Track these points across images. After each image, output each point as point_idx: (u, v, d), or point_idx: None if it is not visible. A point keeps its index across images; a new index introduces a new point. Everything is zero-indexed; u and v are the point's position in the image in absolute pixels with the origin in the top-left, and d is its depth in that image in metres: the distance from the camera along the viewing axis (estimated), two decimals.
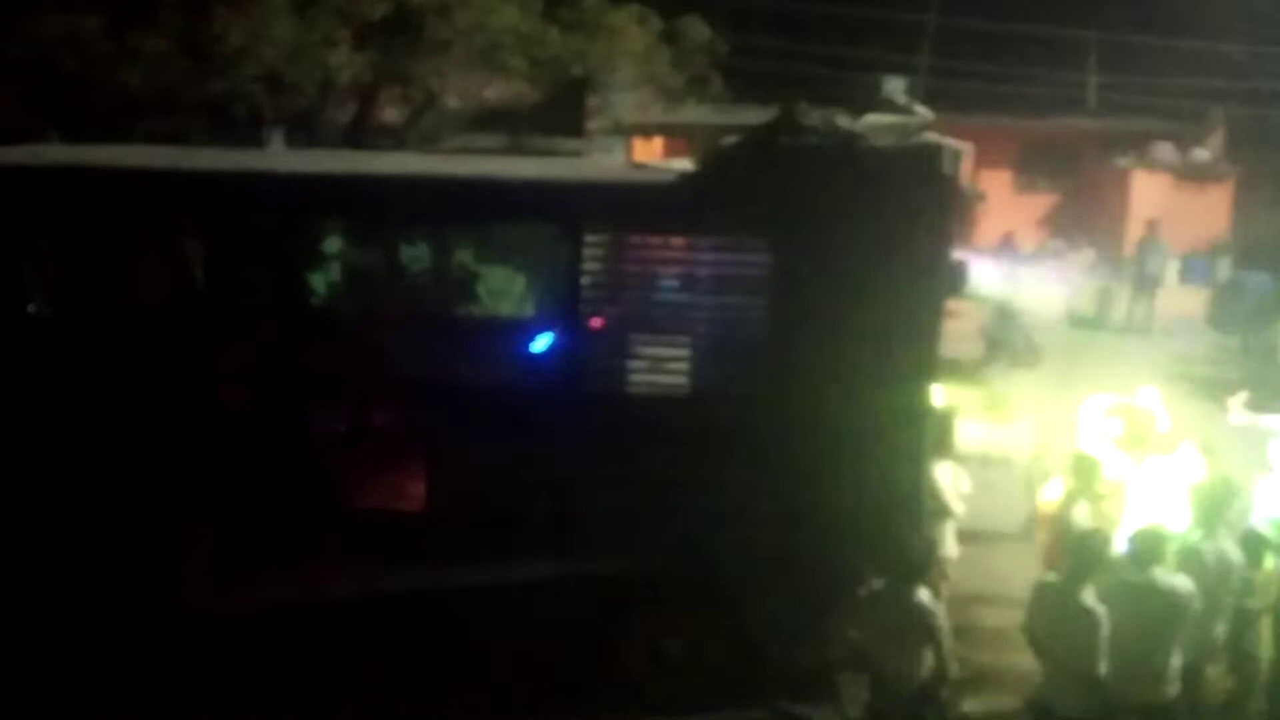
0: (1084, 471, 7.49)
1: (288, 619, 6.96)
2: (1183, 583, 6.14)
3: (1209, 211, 24.31)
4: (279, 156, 8.56)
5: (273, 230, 7.08)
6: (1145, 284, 20.44)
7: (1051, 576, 6.28)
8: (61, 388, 6.99)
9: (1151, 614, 6.07)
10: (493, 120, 16.94)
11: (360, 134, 15.13)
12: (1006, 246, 23.26)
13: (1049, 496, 7.80)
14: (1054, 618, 6.11)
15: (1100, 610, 5.91)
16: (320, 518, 7.04)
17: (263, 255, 7.11)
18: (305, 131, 14.18)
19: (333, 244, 7.70)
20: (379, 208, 7.22)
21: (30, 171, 7.23)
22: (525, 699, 6.81)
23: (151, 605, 6.94)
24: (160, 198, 7.12)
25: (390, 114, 16.15)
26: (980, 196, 20.99)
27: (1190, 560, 6.48)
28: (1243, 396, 9.65)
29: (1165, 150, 24.91)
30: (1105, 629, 5.85)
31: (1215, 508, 6.74)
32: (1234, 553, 6.63)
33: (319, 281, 7.66)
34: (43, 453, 6.98)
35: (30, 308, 7.33)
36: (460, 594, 6.94)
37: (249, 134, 13.69)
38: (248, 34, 12.84)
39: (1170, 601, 6.09)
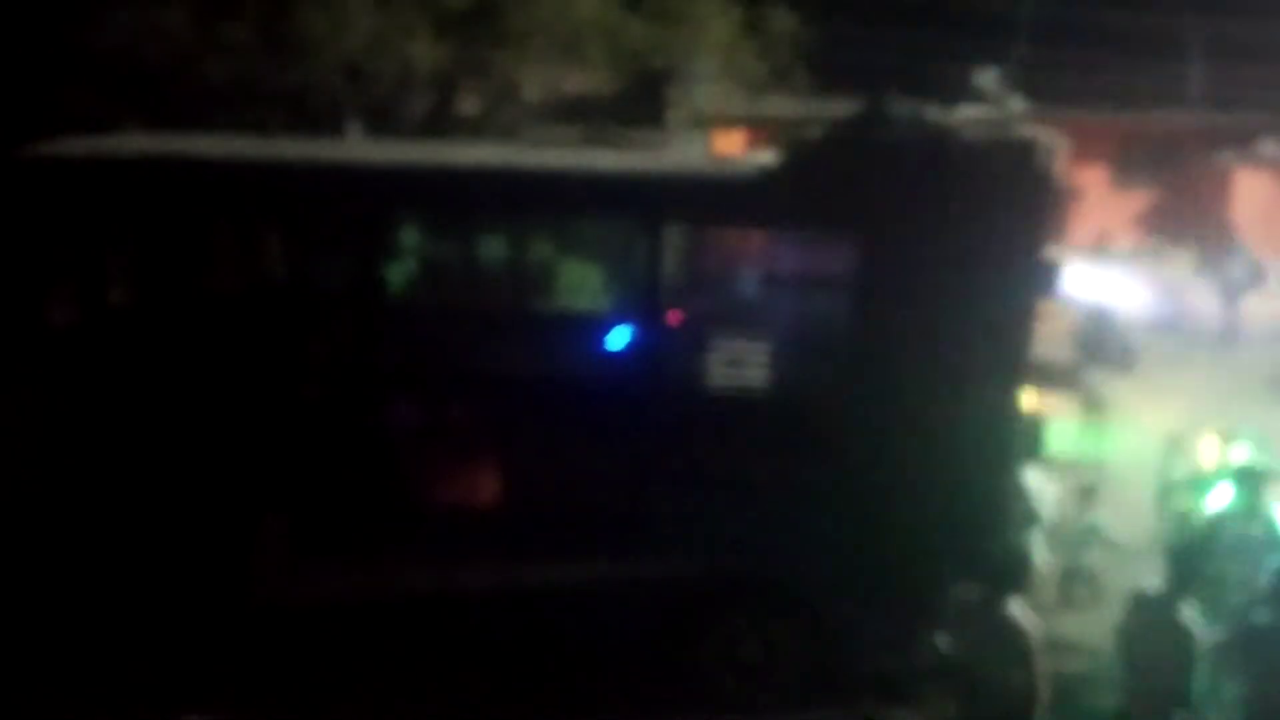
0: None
1: (362, 613, 7.05)
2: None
3: None
4: (358, 146, 8.67)
5: (351, 221, 7.17)
6: (1230, 291, 19.85)
7: (1152, 587, 6.13)
8: (144, 378, 7.15)
9: None
10: (571, 112, 16.99)
11: (439, 125, 15.27)
12: (1103, 246, 22.80)
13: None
14: (1148, 631, 5.99)
15: (1197, 628, 5.78)
16: (395, 512, 7.11)
17: (341, 247, 7.21)
18: (384, 122, 14.34)
19: (411, 236, 7.77)
20: (457, 199, 7.26)
21: (115, 162, 7.40)
22: (599, 701, 6.83)
23: (230, 595, 7.07)
24: (241, 188, 7.25)
25: (469, 105, 16.28)
26: (1074, 193, 20.57)
27: None
28: None
29: (1270, 146, 24.28)
30: (1200, 648, 5.70)
31: None
32: None
33: (397, 274, 7.73)
34: (125, 443, 7.14)
35: (114, 297, 7.50)
36: (534, 593, 6.98)
37: (328, 125, 13.89)
38: (329, 24, 13.05)
39: None
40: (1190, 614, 5.80)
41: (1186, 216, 24.62)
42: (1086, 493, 8.92)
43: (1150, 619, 6.01)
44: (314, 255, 7.39)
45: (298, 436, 7.15)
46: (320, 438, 7.14)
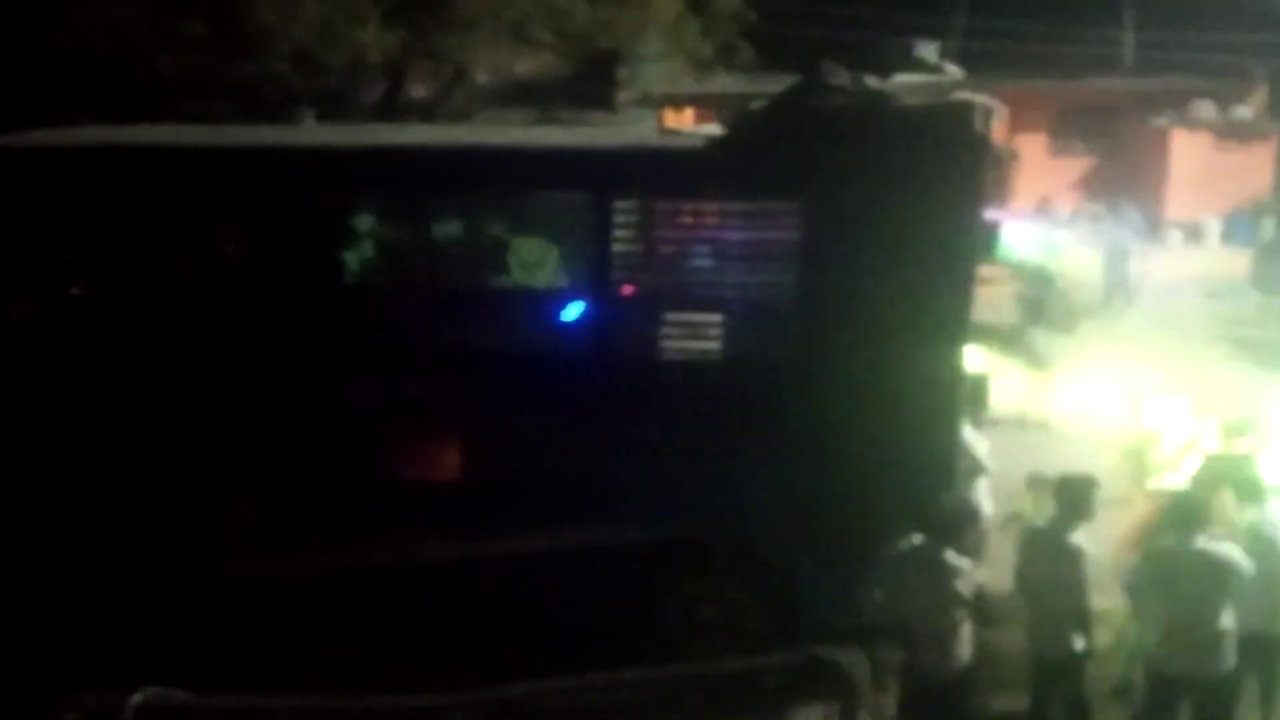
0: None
1: (328, 587, 7.06)
2: (1231, 551, 6.08)
3: (1251, 170, 23.99)
4: (309, 131, 8.62)
5: (304, 204, 7.14)
6: (1116, 253, 19.89)
7: (1040, 522, 6.45)
8: (104, 366, 7.09)
9: (1196, 582, 6.06)
10: (523, 94, 16.97)
11: (391, 111, 15.21)
12: (1043, 210, 23.01)
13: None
14: (1044, 560, 6.28)
15: (1088, 546, 6.10)
16: (359, 489, 7.11)
17: (295, 229, 7.18)
18: (336, 110, 14.27)
19: (366, 218, 7.73)
20: (410, 180, 7.24)
21: (67, 151, 7.32)
22: (562, 667, 6.86)
23: (199, 572, 7.05)
24: (194, 174, 7.20)
25: (420, 91, 16.22)
26: (1014, 156, 20.76)
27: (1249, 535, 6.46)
28: None
29: (1205, 109, 24.57)
30: (1092, 566, 6.05)
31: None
32: None
33: (352, 255, 7.71)
34: (91, 429, 7.09)
35: (71, 287, 7.43)
36: (498, 563, 7.01)
37: (280, 114, 13.80)
38: (278, 14, 12.95)
39: (1216, 570, 6.03)
40: (1078, 539, 6.10)
41: (1125, 180, 24.89)
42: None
43: (1042, 548, 6.30)
44: (270, 239, 7.33)
45: (259, 418, 7.13)
46: (281, 419, 7.12)
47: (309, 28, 13.36)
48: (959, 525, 6.14)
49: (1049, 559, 6.28)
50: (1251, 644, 6.33)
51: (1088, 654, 6.30)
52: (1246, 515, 6.58)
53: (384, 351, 7.22)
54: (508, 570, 7.03)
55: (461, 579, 7.06)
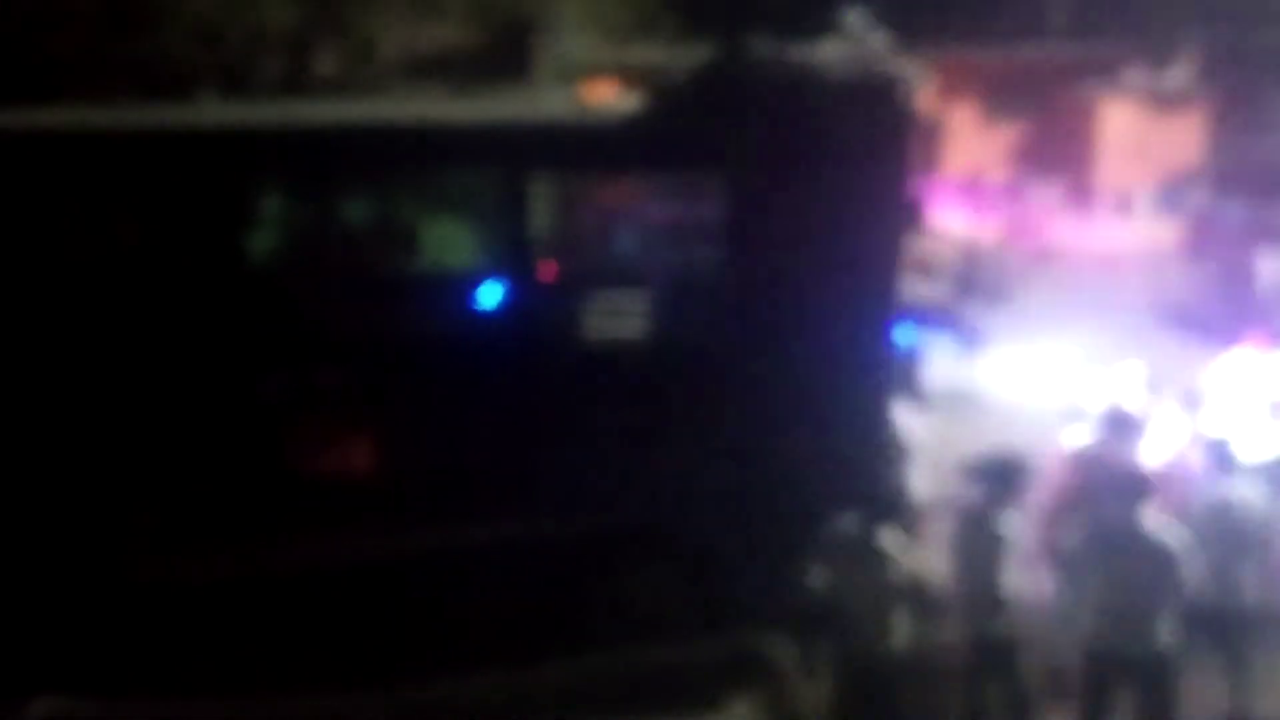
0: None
1: (242, 587, 6.96)
2: (1177, 538, 6.12)
3: (1181, 138, 24.53)
4: (211, 110, 8.43)
5: (203, 186, 6.99)
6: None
7: (969, 500, 6.53)
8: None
9: (1139, 566, 6.11)
10: (434, 67, 16.78)
11: (295, 86, 14.96)
12: (974, 180, 23.37)
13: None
14: (975, 541, 6.39)
15: (1010, 530, 6.25)
16: (270, 485, 7.01)
17: (194, 213, 7.02)
18: (238, 86, 14.00)
19: (267, 199, 7.59)
20: (317, 158, 7.12)
21: None
22: (494, 659, 6.84)
23: (110, 574, 6.93)
24: (86, 159, 7.02)
25: (326, 65, 15.97)
26: (944, 128, 21.04)
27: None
28: None
29: (1136, 76, 25.06)
30: (1015, 549, 6.20)
31: None
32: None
33: (255, 239, 7.56)
34: None
35: None
36: (425, 555, 6.96)
37: (180, 91, 13.51)
38: None
39: (1162, 556, 6.07)
40: (1006, 523, 6.25)
41: (1055, 148, 25.35)
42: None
43: (972, 530, 6.41)
44: (169, 224, 7.15)
45: (161, 413, 6.99)
46: (185, 413, 6.99)
47: (209, 2, 13.09)
48: (892, 506, 6.21)
49: (980, 540, 6.41)
50: (1210, 618, 6.53)
51: (1020, 634, 6.42)
52: (1216, 489, 6.80)
53: (291, 340, 7.10)
54: (432, 564, 6.98)
55: (384, 574, 6.99)
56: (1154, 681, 6.19)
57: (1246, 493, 6.81)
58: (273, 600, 6.98)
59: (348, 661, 6.64)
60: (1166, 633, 6.14)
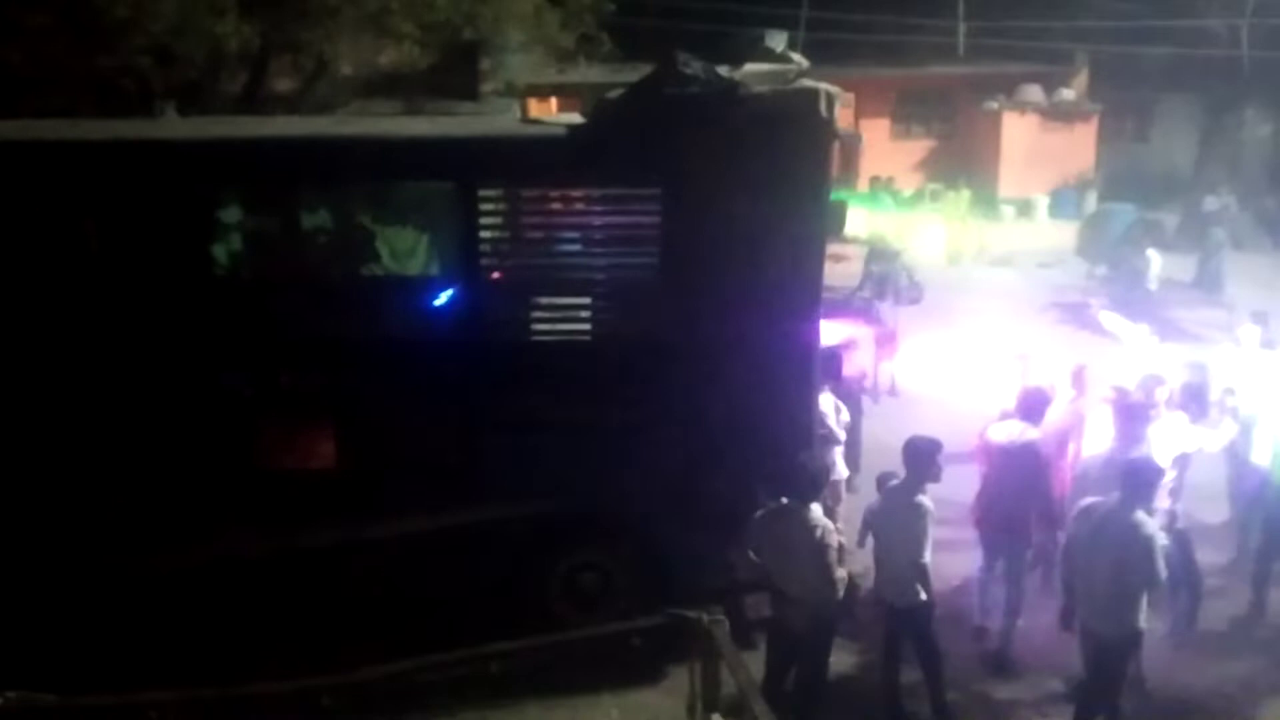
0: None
1: (209, 577, 6.89)
2: (1148, 520, 6.08)
3: (1075, 148, 25.03)
4: (169, 124, 8.30)
5: (168, 198, 6.90)
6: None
7: (896, 481, 6.69)
8: None
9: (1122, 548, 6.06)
10: (386, 86, 16.66)
11: (253, 104, 14.76)
12: (888, 190, 23.62)
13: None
14: (894, 517, 6.58)
15: (931, 507, 6.41)
16: (236, 481, 6.95)
17: (161, 224, 6.92)
18: (196, 103, 13.79)
19: (230, 210, 7.50)
20: (273, 171, 7.07)
21: None
22: (451, 643, 6.82)
23: (78, 566, 6.83)
24: (52, 169, 6.90)
25: (283, 83, 15.78)
26: (858, 139, 21.25)
27: None
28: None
29: (1033, 92, 25.50)
30: (930, 524, 6.36)
31: None
32: None
33: (218, 248, 7.47)
34: None
35: None
36: (384, 545, 6.95)
37: (138, 108, 13.27)
38: (131, 6, 12.42)
39: (1145, 541, 6.01)
40: (923, 498, 6.44)
41: (962, 160, 25.73)
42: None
43: (894, 504, 6.60)
44: (136, 234, 7.04)
45: (131, 414, 6.90)
46: (153, 414, 6.90)
47: (165, 19, 12.84)
48: (818, 485, 6.31)
49: (897, 516, 6.55)
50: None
51: (931, 603, 6.57)
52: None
53: (255, 344, 7.04)
54: (391, 553, 6.97)
55: (346, 563, 6.97)
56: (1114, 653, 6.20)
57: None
58: (238, 589, 6.93)
59: (308, 645, 6.61)
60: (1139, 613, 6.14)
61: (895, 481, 6.71)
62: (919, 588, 6.48)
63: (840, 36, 22.72)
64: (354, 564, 7.01)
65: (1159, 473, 6.33)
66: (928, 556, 6.43)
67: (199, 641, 6.74)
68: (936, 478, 6.59)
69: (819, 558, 6.07)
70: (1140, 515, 6.00)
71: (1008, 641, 7.42)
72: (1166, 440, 7.38)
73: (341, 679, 5.23)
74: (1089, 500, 6.34)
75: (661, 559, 7.11)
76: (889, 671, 6.79)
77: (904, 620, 6.65)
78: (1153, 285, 16.21)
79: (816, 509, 6.18)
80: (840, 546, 6.30)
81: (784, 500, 6.24)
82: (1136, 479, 6.10)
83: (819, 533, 6.08)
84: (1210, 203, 21.37)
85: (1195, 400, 8.05)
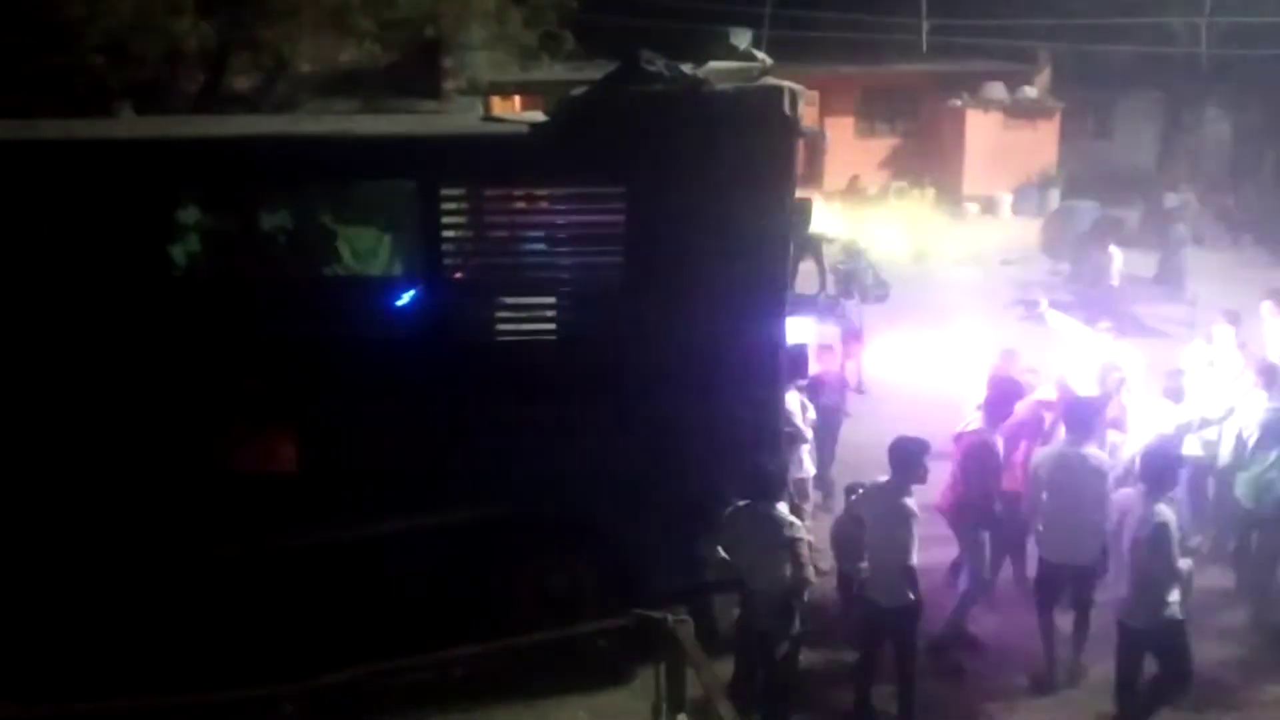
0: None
1: (173, 582, 6.80)
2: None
3: (1038, 145, 25.19)
4: (126, 124, 8.18)
5: (127, 198, 6.80)
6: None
7: (881, 479, 6.70)
8: None
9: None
10: (347, 84, 16.54)
11: (211, 102, 14.60)
12: (853, 189, 23.74)
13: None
14: (880, 518, 6.58)
15: (916, 509, 6.41)
16: (199, 484, 6.86)
17: (120, 224, 6.82)
18: (153, 102, 13.61)
19: (190, 210, 7.41)
20: (233, 171, 6.99)
21: None
22: (419, 646, 6.78)
23: (40, 572, 6.73)
24: (6, 170, 6.79)
25: (242, 81, 15.62)
26: (822, 136, 21.32)
27: None
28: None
29: (996, 89, 25.67)
30: (916, 527, 6.41)
31: None
32: None
33: (179, 249, 7.38)
34: None
35: None
36: (346, 550, 6.87)
37: (95, 107, 13.09)
38: (87, 3, 12.26)
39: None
40: (909, 500, 6.45)
41: (926, 158, 25.86)
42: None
43: (878, 507, 6.59)
44: (95, 235, 6.93)
45: (92, 418, 6.80)
46: (116, 418, 6.80)
47: (122, 17, 12.68)
48: (781, 485, 6.30)
49: (884, 518, 6.54)
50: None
51: (920, 605, 6.58)
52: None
53: (214, 346, 6.95)
54: (356, 556, 6.90)
55: (309, 567, 6.90)
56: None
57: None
58: (201, 594, 6.84)
59: (275, 650, 6.54)
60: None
61: (881, 481, 6.68)
62: (907, 590, 6.46)
63: (805, 34, 22.78)
64: (317, 568, 6.93)
65: (1177, 461, 6.54)
66: (915, 559, 6.42)
67: (162, 647, 6.66)
68: (923, 479, 6.62)
69: (789, 555, 6.06)
70: (1160, 506, 6.27)
71: (957, 628, 7.51)
72: (1141, 425, 7.60)
73: (303, 685, 5.17)
74: (1117, 493, 6.72)
75: (629, 560, 7.08)
76: (864, 673, 6.78)
77: (890, 621, 6.61)
78: (1115, 281, 16.36)
79: (782, 507, 6.18)
80: (810, 544, 6.30)
81: (750, 500, 6.23)
82: (1155, 469, 6.41)
83: (787, 530, 6.08)
84: (1171, 199, 21.63)
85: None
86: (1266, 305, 10.53)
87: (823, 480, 9.31)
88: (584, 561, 7.21)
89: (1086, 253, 17.49)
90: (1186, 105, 24.92)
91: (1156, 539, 6.19)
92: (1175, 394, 8.30)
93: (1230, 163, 26.05)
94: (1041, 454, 7.37)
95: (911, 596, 6.47)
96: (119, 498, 6.88)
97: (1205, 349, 9.68)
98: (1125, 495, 6.73)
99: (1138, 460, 7.33)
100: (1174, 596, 6.32)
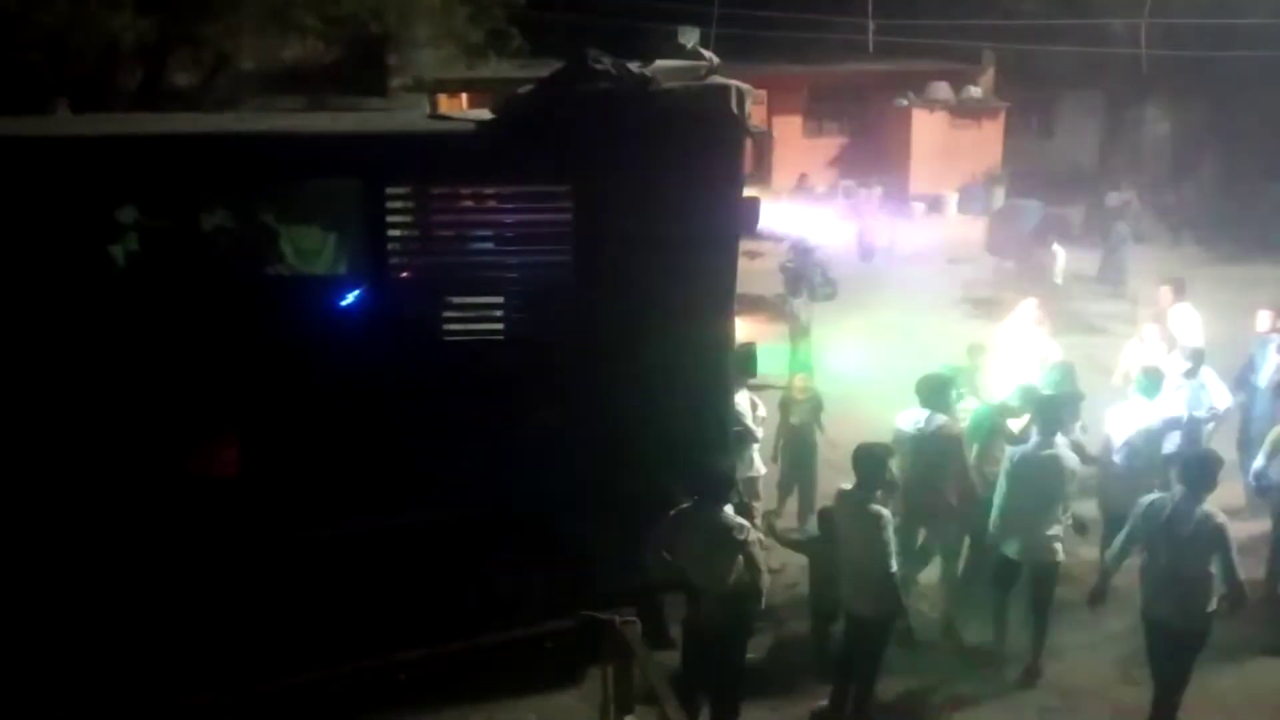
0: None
1: (114, 586, 6.68)
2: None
3: (983, 145, 25.53)
4: (62, 121, 8.01)
5: (61, 198, 6.66)
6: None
7: (848, 485, 6.67)
8: None
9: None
10: (291, 81, 16.35)
11: (151, 100, 14.36)
12: (801, 187, 23.88)
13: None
14: (850, 525, 6.54)
15: (887, 514, 6.40)
16: (141, 487, 6.74)
17: (59, 224, 6.68)
18: (92, 100, 13.36)
19: (127, 210, 7.27)
20: (174, 170, 6.86)
21: None
22: (367, 651, 6.71)
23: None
24: None
25: (182, 79, 15.38)
26: (767, 134, 21.43)
27: None
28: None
29: (941, 89, 25.96)
30: (891, 531, 6.36)
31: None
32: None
33: (118, 249, 7.24)
34: None
35: None
36: (291, 553, 6.78)
37: (31, 104, 12.83)
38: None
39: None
40: (878, 505, 6.43)
41: (873, 157, 26.09)
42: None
43: (850, 513, 6.57)
44: (33, 236, 6.78)
45: (31, 417, 6.66)
46: (56, 417, 6.67)
47: (57, 13, 12.43)
48: (729, 485, 6.30)
49: (854, 524, 6.51)
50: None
51: (902, 611, 6.57)
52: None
53: (155, 347, 6.83)
54: (302, 560, 6.81)
55: (253, 572, 6.80)
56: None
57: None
58: (144, 599, 6.73)
59: (218, 655, 6.45)
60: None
61: (848, 489, 6.64)
62: (889, 597, 6.41)
63: (753, 34, 22.88)
64: (262, 572, 6.84)
65: (1218, 463, 6.56)
66: (895, 565, 6.37)
67: (106, 653, 6.54)
68: (889, 484, 6.62)
69: (742, 558, 6.05)
70: (1208, 507, 6.27)
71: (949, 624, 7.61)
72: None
73: (242, 693, 5.10)
74: (1151, 496, 6.64)
75: (579, 561, 7.06)
76: (841, 683, 6.78)
77: (869, 630, 6.54)
78: (1058, 279, 16.60)
79: (729, 510, 6.17)
80: (760, 541, 6.31)
81: (698, 500, 6.22)
82: (1196, 471, 6.38)
83: (737, 534, 6.07)
84: (1113, 198, 21.99)
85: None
86: (1164, 290, 10.81)
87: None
88: (533, 563, 7.18)
89: (1030, 251, 17.71)
90: (1127, 105, 25.35)
91: (1217, 539, 6.19)
92: (1150, 389, 8.35)
93: (1170, 162, 26.54)
94: (1011, 451, 7.43)
95: (895, 605, 6.44)
96: (59, 501, 6.74)
97: (1140, 348, 9.87)
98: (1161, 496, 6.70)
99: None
100: (1213, 596, 6.32)
